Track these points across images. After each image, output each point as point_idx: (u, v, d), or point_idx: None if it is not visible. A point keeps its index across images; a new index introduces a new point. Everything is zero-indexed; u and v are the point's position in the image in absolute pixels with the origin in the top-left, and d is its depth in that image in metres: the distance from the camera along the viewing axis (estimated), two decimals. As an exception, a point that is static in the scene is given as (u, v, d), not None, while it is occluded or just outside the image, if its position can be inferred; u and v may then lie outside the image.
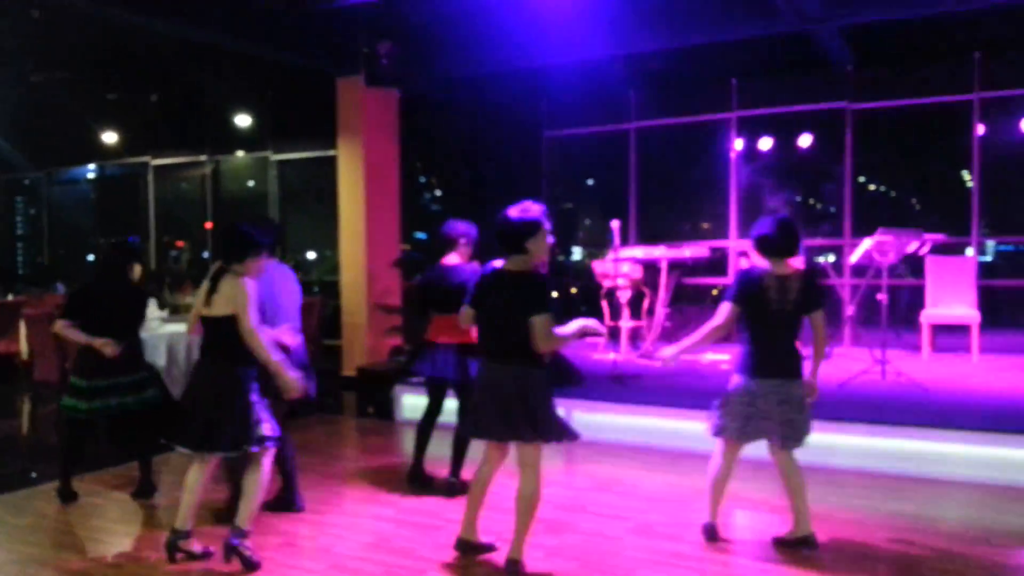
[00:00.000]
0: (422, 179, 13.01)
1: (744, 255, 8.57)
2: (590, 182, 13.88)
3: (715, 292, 10.05)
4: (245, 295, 3.83)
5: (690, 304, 9.77)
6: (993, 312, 8.22)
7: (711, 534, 4.15)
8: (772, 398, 3.90)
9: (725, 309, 4.00)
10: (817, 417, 5.31)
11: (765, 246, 3.98)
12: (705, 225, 10.62)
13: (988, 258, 11.22)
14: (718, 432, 4.06)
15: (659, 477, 5.31)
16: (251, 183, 12.59)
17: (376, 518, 4.62)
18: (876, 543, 4.12)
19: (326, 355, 8.72)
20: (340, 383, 8.51)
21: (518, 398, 3.66)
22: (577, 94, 10.20)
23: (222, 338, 3.88)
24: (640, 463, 5.64)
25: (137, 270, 4.94)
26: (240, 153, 12.46)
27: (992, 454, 5.05)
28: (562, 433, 3.75)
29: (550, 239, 3.79)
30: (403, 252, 9.32)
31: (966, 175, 8.91)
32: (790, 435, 3.92)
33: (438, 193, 13.47)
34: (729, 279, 9.51)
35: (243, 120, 11.89)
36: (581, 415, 6.31)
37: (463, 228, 5.09)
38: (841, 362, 7.34)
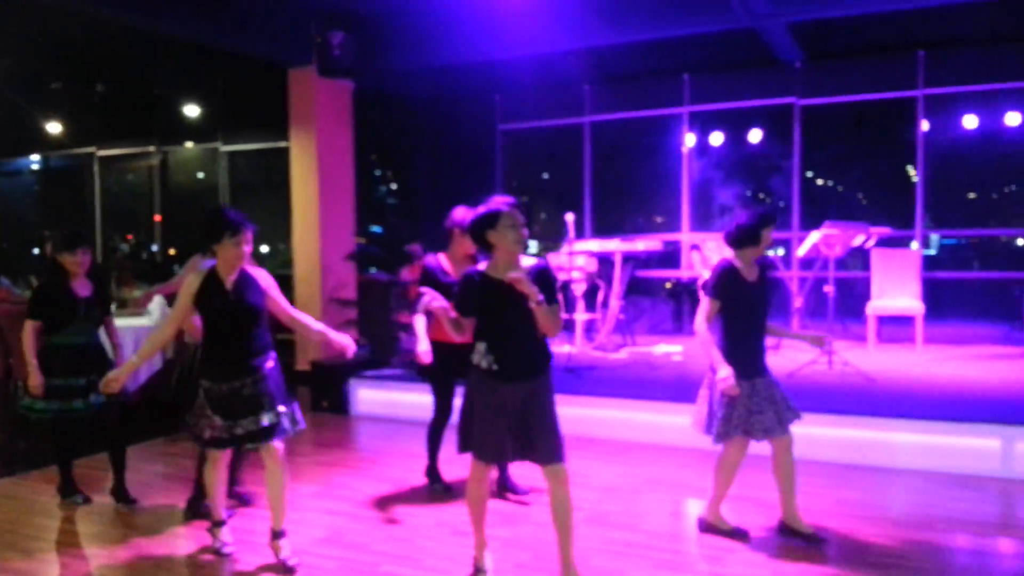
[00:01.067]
0: (377, 172, 12.90)
1: (696, 248, 8.71)
2: (545, 176, 13.94)
3: (668, 285, 10.18)
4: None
5: (644, 296, 9.89)
6: (936, 303, 8.46)
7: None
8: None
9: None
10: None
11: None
12: (659, 219, 10.73)
13: (932, 251, 11.54)
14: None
15: (612, 467, 5.35)
16: (201, 175, 12.35)
17: (330, 512, 4.59)
18: (824, 530, 4.21)
19: (279, 349, 8.59)
20: (294, 378, 8.40)
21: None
22: (532, 88, 10.21)
23: None
24: (594, 454, 5.68)
25: (66, 261, 4.56)
26: (189, 144, 12.21)
27: (936, 442, 5.19)
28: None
29: (523, 231, 3.49)
30: (358, 245, 9.23)
31: (911, 170, 9.14)
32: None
33: (394, 187, 13.36)
34: (681, 272, 9.63)
35: (192, 110, 11.65)
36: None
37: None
38: (789, 353, 7.48)
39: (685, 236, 9.64)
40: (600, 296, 8.54)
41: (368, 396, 7.11)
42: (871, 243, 7.92)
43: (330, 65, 8.32)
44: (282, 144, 9.20)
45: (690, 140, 9.79)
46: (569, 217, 7.49)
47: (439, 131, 10.68)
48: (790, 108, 9.19)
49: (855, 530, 4.20)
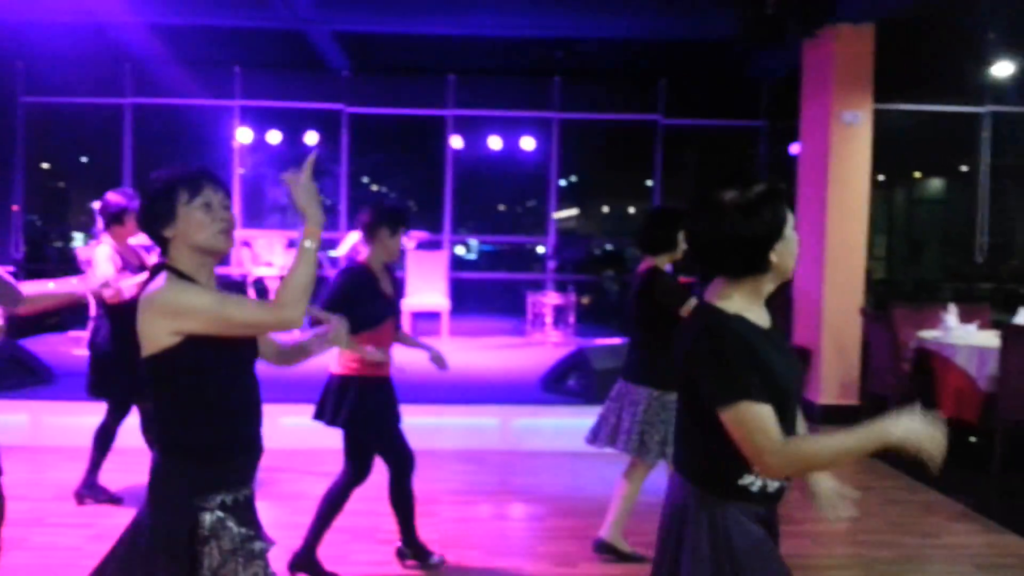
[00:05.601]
0: None
1: (247, 245, 8.58)
2: (84, 159, 12.64)
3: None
4: None
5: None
6: (464, 300, 9.52)
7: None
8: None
9: None
10: (294, 400, 5.56)
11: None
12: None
13: (473, 256, 12.97)
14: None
15: (133, 478, 5.01)
16: None
17: None
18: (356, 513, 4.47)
19: None
20: None
21: None
22: (66, 60, 9.12)
23: None
24: (114, 465, 5.24)
25: None
26: None
27: (447, 423, 5.85)
28: None
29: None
30: None
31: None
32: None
33: None
34: (231, 269, 9.41)
35: None
36: (51, 418, 5.72)
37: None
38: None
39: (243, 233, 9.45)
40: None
41: None
42: (412, 245, 8.61)
43: None
44: None
45: (244, 135, 9.63)
46: (96, 205, 6.85)
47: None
48: (339, 114, 9.59)
49: (371, 511, 4.52)
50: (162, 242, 2.06)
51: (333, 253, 9.68)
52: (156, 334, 1.96)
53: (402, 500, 3.86)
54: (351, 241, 7.10)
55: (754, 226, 1.85)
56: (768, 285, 1.94)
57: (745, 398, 1.79)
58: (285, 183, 2.02)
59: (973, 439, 5.98)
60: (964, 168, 10.08)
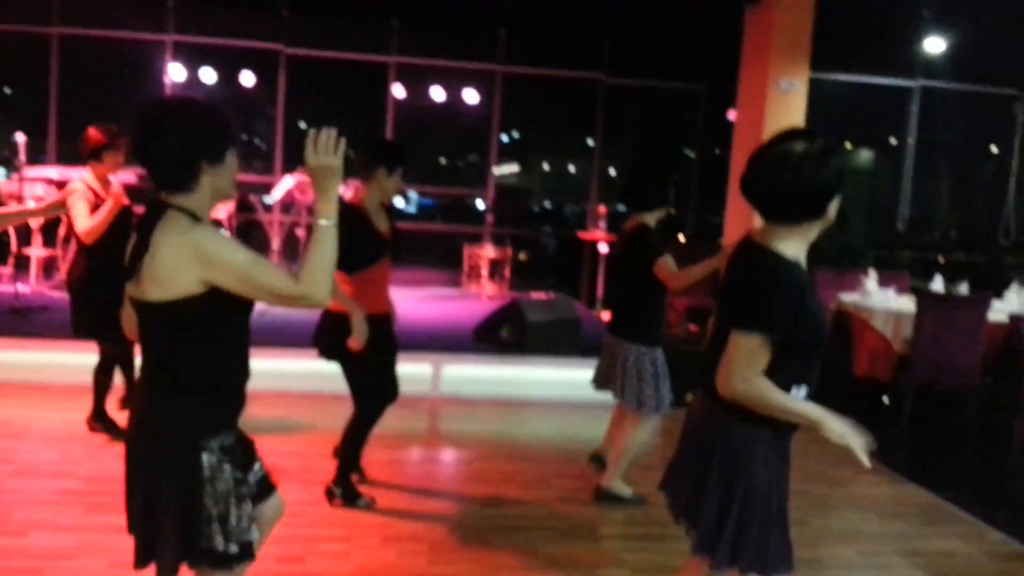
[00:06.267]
0: None
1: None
2: (7, 90, 12.21)
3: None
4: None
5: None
6: (399, 251, 9.46)
7: None
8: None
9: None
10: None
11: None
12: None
13: (412, 208, 12.87)
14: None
15: (57, 415, 4.93)
16: None
17: None
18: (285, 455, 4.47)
19: None
20: None
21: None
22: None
23: None
24: (37, 401, 5.17)
25: None
26: None
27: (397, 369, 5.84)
28: None
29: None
30: None
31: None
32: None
33: None
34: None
35: None
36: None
37: None
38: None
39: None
40: (62, 231, 7.70)
41: None
42: (348, 194, 8.49)
43: None
44: None
45: (176, 72, 9.29)
46: (20, 138, 6.58)
47: None
48: (277, 54, 9.32)
49: (300, 452, 4.55)
50: (189, 175, 1.94)
51: (268, 199, 9.50)
52: (181, 280, 1.89)
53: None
54: (286, 186, 6.98)
55: (825, 175, 1.98)
56: (814, 232, 2.07)
57: (764, 331, 1.94)
58: (309, 141, 1.93)
59: (885, 398, 6.28)
60: (893, 141, 10.39)
